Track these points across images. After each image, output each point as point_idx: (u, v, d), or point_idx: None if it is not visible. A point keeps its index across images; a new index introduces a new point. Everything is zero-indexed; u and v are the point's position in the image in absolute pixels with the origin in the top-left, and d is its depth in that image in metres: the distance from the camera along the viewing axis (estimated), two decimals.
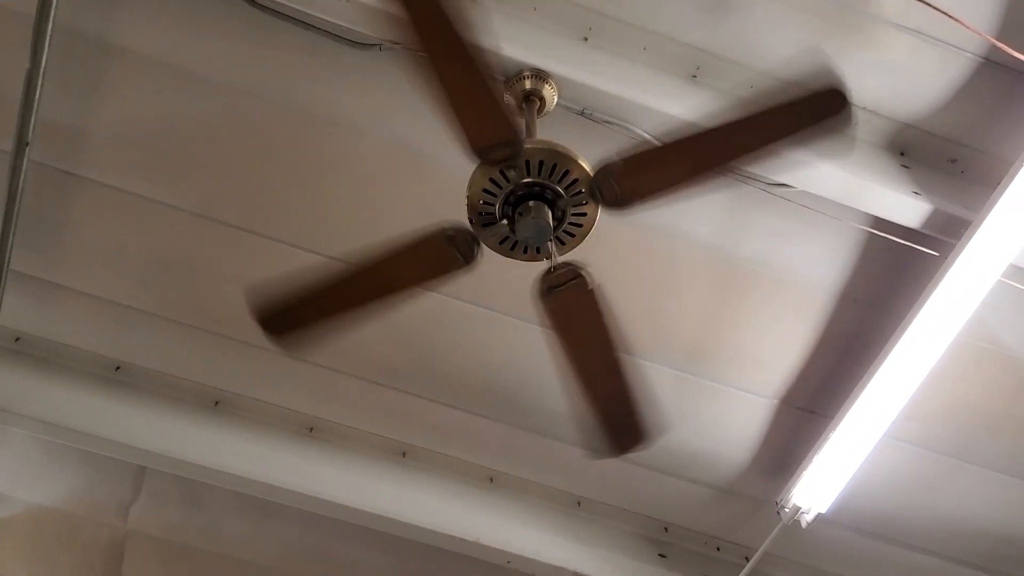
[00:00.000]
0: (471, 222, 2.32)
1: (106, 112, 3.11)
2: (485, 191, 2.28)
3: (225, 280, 3.46)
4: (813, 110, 2.10)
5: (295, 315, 2.47)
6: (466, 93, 2.09)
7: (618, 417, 2.52)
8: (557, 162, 2.25)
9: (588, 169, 2.24)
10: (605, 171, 2.21)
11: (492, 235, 2.34)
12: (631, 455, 3.69)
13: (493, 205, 2.30)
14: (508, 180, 2.26)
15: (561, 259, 2.32)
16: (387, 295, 2.41)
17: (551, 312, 2.35)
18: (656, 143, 2.19)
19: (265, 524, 4.02)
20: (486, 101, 2.10)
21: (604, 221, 2.36)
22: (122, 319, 3.58)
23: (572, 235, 2.37)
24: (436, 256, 2.33)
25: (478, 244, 2.33)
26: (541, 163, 2.25)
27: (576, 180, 2.26)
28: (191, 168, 3.20)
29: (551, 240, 2.30)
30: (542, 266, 2.34)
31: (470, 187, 2.28)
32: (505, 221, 2.29)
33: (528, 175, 2.27)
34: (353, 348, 3.57)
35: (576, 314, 2.35)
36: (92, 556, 4.14)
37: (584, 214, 2.32)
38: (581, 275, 2.29)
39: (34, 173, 2.91)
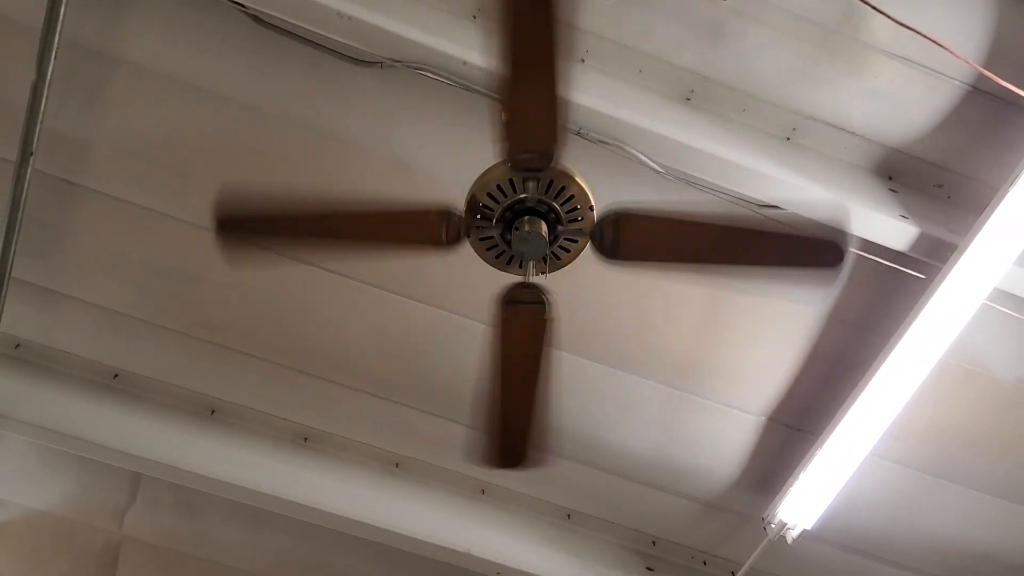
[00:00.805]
0: (466, 209, 2.30)
1: (109, 123, 3.10)
2: (498, 187, 2.26)
3: (223, 290, 3.45)
4: (812, 252, 2.19)
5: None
6: (534, 95, 2.08)
7: (510, 435, 2.55)
8: (577, 197, 2.25)
9: (593, 208, 2.24)
10: (607, 218, 2.21)
11: (480, 233, 2.32)
12: (618, 467, 3.75)
13: (493, 208, 2.28)
14: (524, 190, 2.25)
15: (535, 278, 2.32)
16: (356, 241, 2.38)
17: (503, 321, 2.36)
18: (663, 212, 2.20)
19: (259, 532, 4.01)
20: (548, 110, 2.10)
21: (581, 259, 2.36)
22: (121, 327, 3.57)
23: (558, 258, 2.36)
24: (421, 225, 2.32)
25: (463, 235, 2.32)
26: (572, 196, 2.24)
27: (583, 219, 2.26)
28: (191, 179, 3.19)
29: (559, 241, 2.30)
30: (514, 277, 2.34)
31: (482, 179, 2.26)
32: (499, 224, 2.29)
33: (551, 195, 2.27)
34: (348, 360, 3.57)
35: (523, 333, 2.37)
36: (87, 561, 4.12)
37: (572, 249, 2.32)
38: (545, 301, 2.30)
39: (37, 182, 2.91)
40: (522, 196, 2.25)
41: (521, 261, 2.35)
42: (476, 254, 2.35)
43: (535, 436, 2.54)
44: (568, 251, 2.35)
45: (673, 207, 2.22)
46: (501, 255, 2.36)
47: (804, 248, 2.21)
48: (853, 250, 3.17)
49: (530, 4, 1.93)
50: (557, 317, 2.33)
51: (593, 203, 2.25)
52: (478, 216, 2.29)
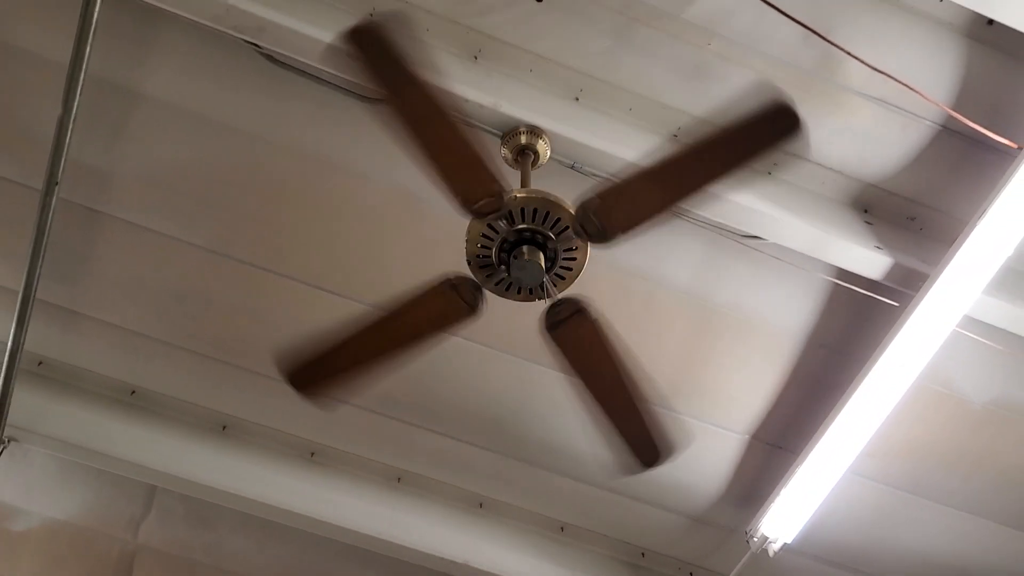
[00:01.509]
0: (470, 268, 2.34)
1: (130, 155, 3.13)
2: (483, 236, 2.29)
3: (236, 313, 3.46)
4: (767, 128, 2.07)
5: (320, 371, 2.48)
6: (448, 151, 2.10)
7: (637, 436, 2.50)
8: (545, 208, 2.27)
9: (571, 210, 2.25)
10: (584, 208, 2.22)
11: (491, 280, 2.35)
12: (609, 482, 3.75)
13: (490, 251, 2.31)
14: (500, 229, 2.28)
15: (560, 295, 2.33)
16: (402, 346, 2.41)
17: (559, 345, 2.36)
18: (626, 176, 2.18)
19: (266, 543, 4.00)
20: (468, 156, 2.12)
21: (590, 267, 2.38)
22: (139, 347, 3.58)
23: (564, 277, 2.38)
24: (444, 305, 2.34)
25: (481, 291, 2.34)
26: (534, 210, 2.27)
27: (563, 223, 2.27)
28: (208, 208, 3.22)
29: (545, 280, 2.31)
30: (542, 305, 2.35)
31: (468, 237, 2.30)
32: (503, 267, 2.31)
33: (522, 221, 2.28)
34: (361, 387, 3.57)
35: (582, 344, 2.36)
36: (103, 568, 4.10)
37: (575, 255, 2.33)
38: (582, 308, 2.30)
39: (62, 210, 2.92)
40: (547, 234, 2.28)
41: (532, 288, 2.36)
42: (466, 242, 2.35)
43: (655, 425, 2.49)
44: (573, 260, 2.36)
45: (629, 170, 2.21)
46: (485, 258, 2.35)
47: (761, 126, 2.08)
48: (830, 279, 3.20)
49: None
50: (601, 314, 2.32)
51: (564, 205, 2.26)
52: (482, 268, 2.32)
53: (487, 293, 2.38)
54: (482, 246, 2.32)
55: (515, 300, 2.42)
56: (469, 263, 2.34)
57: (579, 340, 2.35)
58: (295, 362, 2.45)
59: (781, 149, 2.06)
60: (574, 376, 2.42)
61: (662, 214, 2.19)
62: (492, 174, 2.15)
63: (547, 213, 2.27)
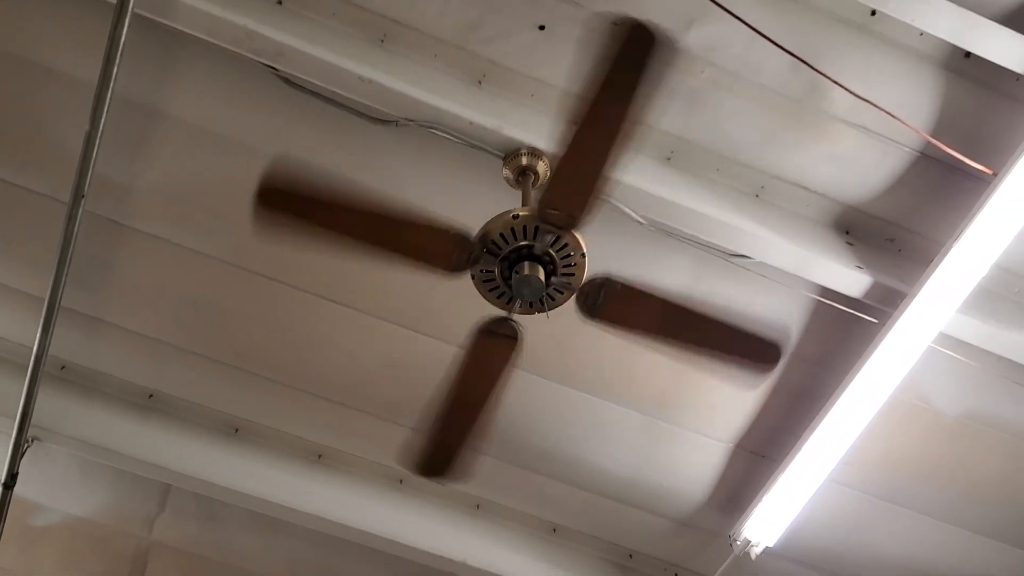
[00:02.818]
0: (478, 244, 2.25)
1: (152, 171, 3.10)
2: (511, 230, 2.24)
3: (250, 322, 3.42)
4: (755, 348, 2.24)
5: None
6: (590, 161, 2.05)
7: (442, 448, 2.50)
8: (507, 226, 2.23)
9: (531, 213, 2.21)
10: (541, 205, 2.18)
11: (484, 266, 2.29)
12: (599, 487, 3.71)
13: (501, 247, 2.26)
14: (535, 239, 2.23)
15: (515, 317, 2.30)
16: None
17: (475, 345, 2.33)
18: (638, 285, 2.23)
19: (275, 540, 3.96)
20: (595, 180, 2.07)
21: (587, 276, 2.34)
22: (157, 352, 3.54)
23: (572, 275, 2.32)
24: (492, 350, 2.33)
25: (511, 321, 2.31)
26: (565, 243, 2.24)
27: (572, 267, 2.27)
28: (225, 222, 3.18)
29: (549, 289, 2.28)
30: (540, 317, 2.32)
31: (500, 218, 2.24)
32: (502, 264, 2.27)
33: (500, 250, 2.24)
34: (359, 385, 3.54)
35: (489, 361, 2.35)
36: (119, 564, 4.07)
37: (568, 251, 2.27)
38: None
39: (87, 222, 2.89)
40: (530, 244, 2.24)
41: (511, 299, 2.32)
42: (474, 285, 2.33)
43: (463, 455, 2.49)
44: (554, 300, 2.33)
45: (651, 286, 2.24)
46: (495, 290, 2.33)
47: (750, 343, 2.24)
48: (813, 296, 3.17)
49: (628, 89, 1.92)
50: (522, 357, 2.31)
51: (527, 211, 2.21)
52: (485, 250, 2.27)
53: (517, 318, 2.34)
54: (488, 281, 2.30)
55: (481, 294, 2.36)
56: (480, 237, 2.25)
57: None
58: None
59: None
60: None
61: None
62: (593, 204, 2.11)
63: (524, 227, 2.22)
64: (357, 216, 2.17)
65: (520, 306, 2.34)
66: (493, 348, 2.34)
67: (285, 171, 2.14)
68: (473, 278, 2.33)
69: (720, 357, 2.38)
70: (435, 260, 2.21)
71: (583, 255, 2.27)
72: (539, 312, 2.36)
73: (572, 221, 2.19)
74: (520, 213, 2.23)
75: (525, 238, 2.24)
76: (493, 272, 2.29)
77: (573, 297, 2.32)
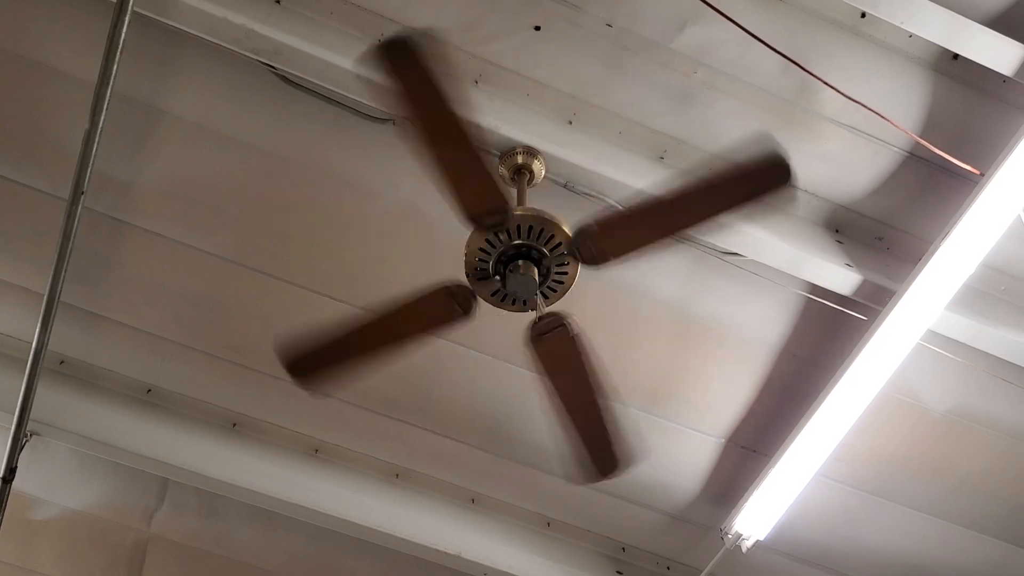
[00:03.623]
0: (468, 278, 2.32)
1: (152, 168, 3.10)
2: (480, 250, 2.28)
3: (249, 318, 3.43)
4: (760, 182, 2.08)
5: (317, 360, 2.45)
6: (460, 166, 2.10)
7: (598, 447, 2.49)
8: (542, 226, 2.27)
9: (568, 232, 2.25)
10: (582, 233, 2.21)
11: (486, 289, 2.33)
12: (601, 482, 3.71)
13: (487, 263, 2.30)
14: (499, 242, 2.27)
15: (547, 310, 2.31)
16: (397, 343, 2.39)
17: (540, 356, 2.35)
18: (625, 208, 2.20)
19: (273, 533, 3.95)
20: (478, 173, 2.11)
21: (578, 280, 2.37)
22: (156, 348, 3.54)
23: (555, 290, 2.37)
24: (440, 308, 2.33)
25: (475, 298, 2.33)
26: (530, 227, 2.26)
27: (559, 242, 2.27)
28: (224, 219, 3.19)
29: (537, 294, 2.30)
30: (530, 316, 2.33)
31: (467, 248, 2.28)
32: (497, 277, 2.29)
33: (518, 237, 2.27)
34: (356, 381, 3.54)
35: (561, 357, 2.35)
36: (117, 557, 4.05)
37: (566, 272, 2.32)
38: (565, 324, 2.29)
39: (87, 218, 2.89)
40: (543, 251, 2.26)
41: (525, 300, 2.34)
42: (466, 248, 2.34)
43: (617, 439, 2.48)
44: (565, 275, 2.35)
45: (629, 203, 2.22)
46: (483, 269, 2.34)
47: (753, 178, 2.11)
48: (804, 294, 3.18)
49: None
50: (581, 330, 2.30)
51: (562, 226, 2.25)
52: (479, 279, 2.30)
53: (481, 301, 2.36)
54: (480, 259, 2.31)
55: (505, 309, 2.41)
56: (466, 270, 2.32)
57: (558, 353, 2.34)
58: (295, 351, 2.43)
59: (770, 200, 2.06)
60: (548, 385, 2.40)
61: (654, 246, 2.20)
62: (499, 191, 2.14)
63: (543, 231, 2.26)
64: (364, 335, 2.32)
65: (501, 297, 2.37)
66: (441, 307, 2.34)
67: (292, 342, 2.37)
68: (468, 249, 2.34)
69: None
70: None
71: (575, 278, 2.31)
72: (510, 310, 2.40)
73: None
74: (517, 212, 2.25)
75: (539, 240, 2.26)
76: (490, 253, 2.30)
77: (532, 319, 2.33)
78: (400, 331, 2.39)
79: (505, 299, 2.37)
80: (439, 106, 1.99)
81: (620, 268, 3.07)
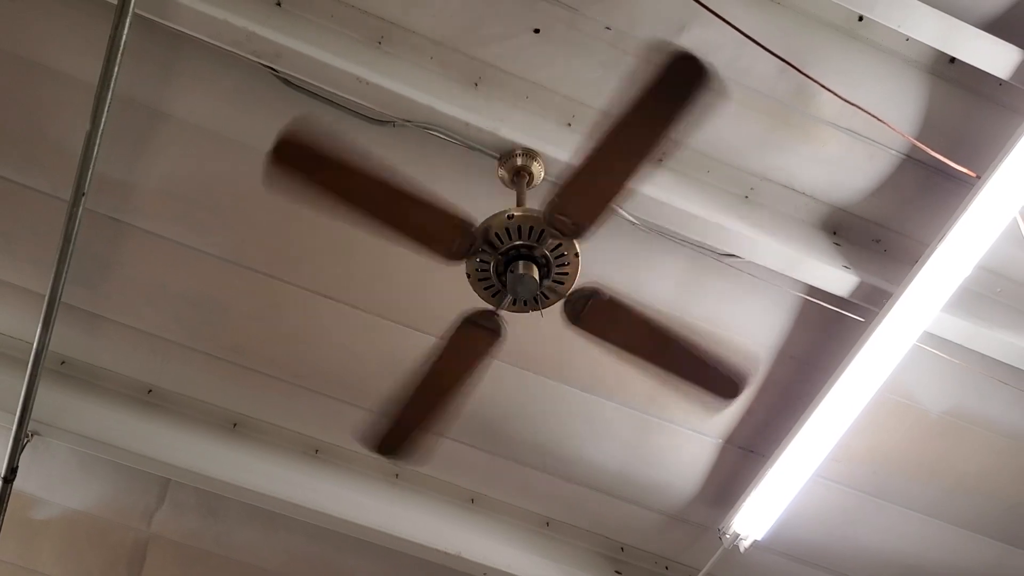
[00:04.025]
0: (480, 236, 2.26)
1: (152, 169, 3.10)
2: (479, 271, 2.28)
3: (248, 318, 3.42)
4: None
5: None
6: (611, 174, 2.06)
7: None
8: (514, 224, 2.24)
9: (540, 216, 2.22)
10: (549, 209, 2.18)
11: (480, 259, 2.31)
12: (592, 481, 3.73)
13: (500, 244, 2.27)
14: (489, 256, 2.27)
15: (573, 288, 2.30)
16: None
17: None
18: (575, 168, 2.12)
19: (273, 533, 3.96)
20: (611, 194, 2.08)
21: (578, 283, 2.35)
22: (156, 348, 3.54)
23: (562, 282, 2.34)
24: (473, 341, 2.34)
25: (497, 315, 2.32)
26: (506, 230, 2.24)
27: (535, 229, 2.24)
28: (225, 220, 3.19)
29: (541, 290, 2.29)
30: (535, 316, 2.33)
31: (503, 214, 2.25)
32: (499, 260, 2.28)
33: (502, 244, 2.25)
34: (355, 381, 3.55)
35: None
36: (118, 557, 4.06)
37: (565, 256, 2.29)
38: (596, 291, 2.27)
39: (87, 220, 2.88)
40: (531, 245, 2.25)
41: (503, 295, 2.33)
42: (468, 282, 2.34)
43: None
44: (547, 298, 2.35)
45: (637, 303, 2.25)
46: (490, 288, 2.34)
47: (715, 376, 2.30)
48: (801, 295, 3.18)
49: (665, 105, 1.93)
50: (614, 289, 2.28)
51: (537, 214, 2.22)
52: (492, 294, 2.30)
53: (504, 315, 2.36)
54: (482, 277, 2.31)
55: (531, 311, 2.39)
56: (482, 230, 2.26)
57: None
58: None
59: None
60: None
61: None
62: (603, 217, 2.12)
63: (519, 228, 2.24)
64: (366, 184, 2.13)
65: (515, 304, 2.36)
66: (473, 339, 2.35)
67: (306, 130, 2.11)
68: (469, 277, 2.34)
69: (688, 382, 2.44)
70: (436, 243, 2.20)
71: (576, 255, 2.29)
72: (532, 311, 2.38)
73: (578, 229, 2.21)
74: (515, 213, 2.25)
75: (520, 237, 2.25)
76: (488, 267, 2.30)
77: (562, 301, 2.33)
78: (452, 379, 2.42)
79: (517, 302, 2.36)
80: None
81: (618, 269, 3.12)
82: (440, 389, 2.44)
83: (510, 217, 2.23)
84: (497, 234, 2.24)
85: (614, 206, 2.15)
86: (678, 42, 2.69)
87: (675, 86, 1.91)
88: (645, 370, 2.40)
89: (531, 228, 2.24)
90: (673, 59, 1.86)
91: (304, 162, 2.11)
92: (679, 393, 3.17)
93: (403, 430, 2.52)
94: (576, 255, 2.29)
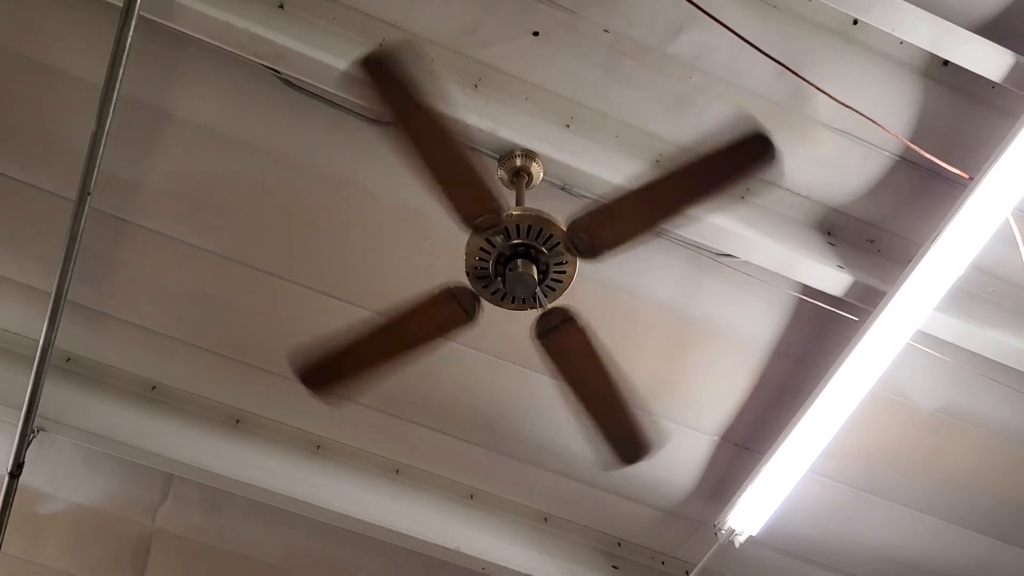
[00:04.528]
0: (469, 279, 2.31)
1: (157, 169, 3.10)
2: (480, 251, 2.28)
3: (251, 316, 3.42)
4: (742, 157, 2.04)
5: (329, 370, 2.45)
6: (451, 171, 2.09)
7: (621, 434, 2.46)
8: (538, 225, 2.26)
9: (562, 227, 2.24)
10: (575, 226, 2.20)
11: (487, 289, 2.33)
12: (589, 478, 3.73)
13: (487, 264, 2.29)
14: (497, 243, 2.27)
15: (551, 305, 2.30)
16: (406, 350, 2.38)
17: (550, 351, 2.33)
18: (616, 197, 2.16)
19: (274, 528, 3.96)
20: (469, 177, 2.10)
21: (577, 281, 2.37)
22: (160, 346, 3.54)
23: (554, 288, 2.36)
24: (444, 313, 2.31)
25: (478, 301, 2.32)
26: (528, 227, 2.25)
27: (555, 239, 2.26)
28: (228, 219, 3.18)
29: (538, 291, 2.29)
30: (533, 314, 2.33)
31: (467, 250, 2.27)
32: (498, 278, 2.28)
33: (516, 237, 2.27)
34: (367, 388, 3.54)
35: (571, 350, 2.33)
36: (122, 551, 4.06)
37: (565, 269, 2.31)
38: (571, 317, 2.27)
39: (93, 218, 2.88)
40: (539, 248, 2.26)
41: (524, 299, 2.34)
42: (494, 306, 2.36)
43: (636, 426, 2.44)
44: (564, 272, 2.34)
45: (616, 192, 2.19)
46: (483, 272, 2.34)
47: (739, 154, 2.06)
48: (796, 294, 3.19)
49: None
50: (588, 320, 2.29)
51: (557, 223, 2.24)
52: (480, 280, 2.30)
53: (484, 302, 2.35)
54: (480, 259, 2.31)
55: (508, 309, 2.40)
56: (468, 275, 2.32)
57: (568, 346, 2.33)
58: (307, 363, 2.41)
59: (757, 176, 2.04)
60: (561, 380, 2.39)
61: (646, 234, 2.18)
62: (491, 193, 2.14)
63: (540, 230, 2.26)
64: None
65: (502, 298, 2.36)
66: (446, 312, 2.32)
67: (304, 353, 2.35)
68: (468, 275, 2.34)
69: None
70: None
71: (560, 228, 2.29)
72: (513, 310, 2.39)
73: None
74: (514, 212, 2.25)
75: (519, 236, 2.26)
76: (490, 254, 2.30)
77: (537, 315, 2.32)
78: (407, 338, 2.37)
79: (505, 298, 2.37)
80: (423, 115, 1.99)
81: (616, 268, 3.11)
82: (390, 343, 2.37)
83: (509, 216, 2.24)
84: (518, 227, 2.25)
85: (635, 241, 2.18)
86: (676, 44, 2.70)
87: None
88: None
89: (550, 235, 2.25)
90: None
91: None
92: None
93: (335, 368, 2.43)
94: (575, 271, 2.32)
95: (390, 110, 2.01)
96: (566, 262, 2.30)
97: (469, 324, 2.33)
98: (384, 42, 2.22)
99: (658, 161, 2.95)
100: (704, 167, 2.06)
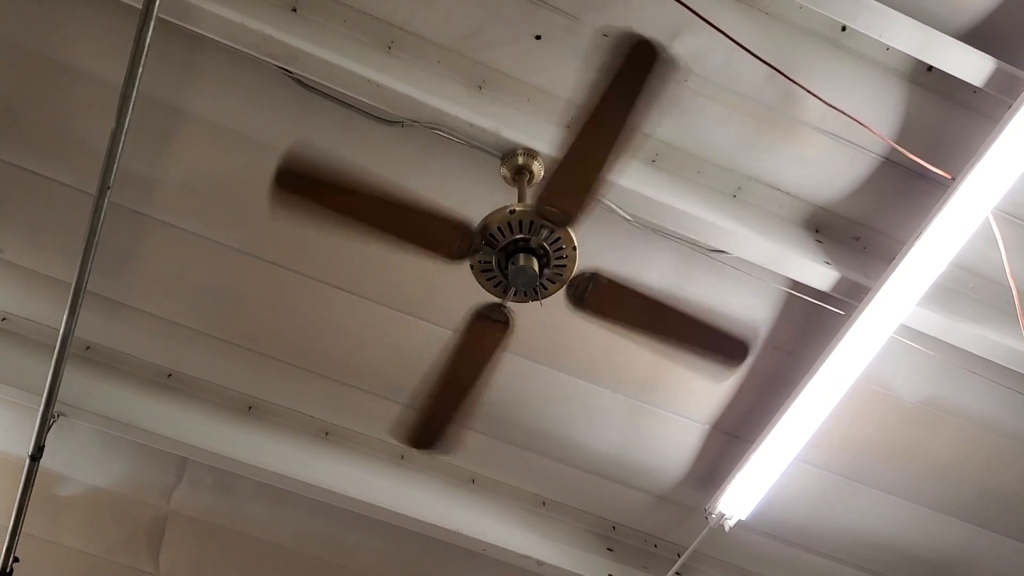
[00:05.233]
0: (479, 235, 2.28)
1: (174, 165, 3.11)
2: (509, 224, 2.27)
3: (263, 307, 3.44)
4: (722, 344, 2.29)
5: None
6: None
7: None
8: (564, 243, 2.28)
9: (576, 249, 2.26)
10: (539, 203, 2.20)
11: (482, 256, 2.32)
12: (586, 464, 3.74)
13: (499, 239, 2.28)
14: (532, 233, 2.27)
15: (573, 275, 2.32)
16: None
17: (470, 328, 2.35)
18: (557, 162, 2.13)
19: (284, 510, 3.98)
20: (594, 180, 2.08)
21: (576, 270, 2.37)
22: (175, 335, 3.55)
23: (562, 270, 2.36)
24: (485, 334, 2.35)
25: (504, 307, 2.34)
26: (558, 238, 2.27)
27: (564, 259, 2.29)
28: (240, 214, 3.19)
29: (541, 281, 2.30)
30: (535, 306, 2.34)
31: (500, 211, 2.25)
32: (499, 255, 2.29)
33: (511, 235, 2.27)
34: (364, 367, 3.56)
35: (481, 344, 2.37)
36: (138, 531, 4.08)
37: (561, 245, 2.30)
38: (595, 276, 2.29)
39: (112, 212, 2.89)
40: (527, 237, 2.26)
41: (507, 288, 2.35)
42: (472, 275, 2.35)
43: (452, 430, 2.51)
44: (546, 289, 2.36)
45: (634, 282, 2.27)
46: (492, 279, 2.36)
47: (721, 341, 2.29)
48: (785, 289, 3.20)
49: (628, 93, 1.93)
50: (516, 343, 2.34)
51: (576, 253, 2.26)
52: (484, 242, 2.30)
53: (510, 305, 2.36)
54: (485, 271, 2.32)
55: (479, 282, 2.39)
56: (481, 229, 2.28)
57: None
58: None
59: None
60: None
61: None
62: (589, 204, 2.13)
63: (564, 254, 2.27)
64: (366, 201, 2.16)
65: (515, 295, 2.37)
66: (485, 332, 2.36)
67: (302, 156, 2.12)
68: (472, 268, 2.36)
69: (694, 351, 2.43)
70: (438, 247, 2.22)
71: (574, 248, 2.31)
72: (532, 301, 2.39)
73: (567, 219, 2.22)
74: (516, 208, 2.26)
75: (521, 231, 2.27)
76: (491, 262, 2.32)
77: (564, 288, 2.35)
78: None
79: (518, 294, 2.37)
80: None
81: (612, 263, 3.12)
82: (462, 382, 2.43)
83: (512, 212, 2.25)
84: (500, 228, 2.26)
85: (597, 194, 2.15)
86: (672, 47, 2.70)
87: (636, 74, 1.91)
88: (651, 345, 2.40)
89: (522, 222, 2.25)
90: (631, 47, 1.86)
91: (304, 187, 2.11)
92: (684, 366, 3.20)
93: (434, 424, 2.51)
94: (573, 245, 2.30)
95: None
96: (559, 238, 2.28)
97: (510, 331, 2.36)
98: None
99: (654, 161, 2.97)
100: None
